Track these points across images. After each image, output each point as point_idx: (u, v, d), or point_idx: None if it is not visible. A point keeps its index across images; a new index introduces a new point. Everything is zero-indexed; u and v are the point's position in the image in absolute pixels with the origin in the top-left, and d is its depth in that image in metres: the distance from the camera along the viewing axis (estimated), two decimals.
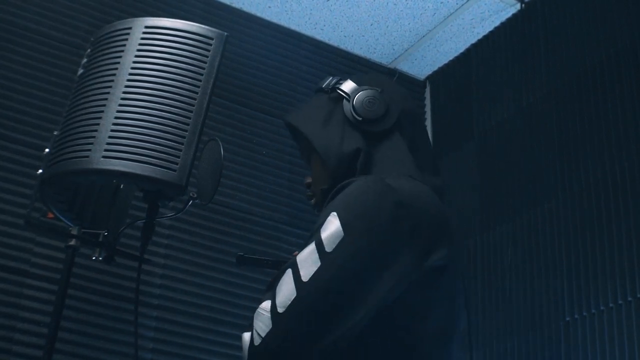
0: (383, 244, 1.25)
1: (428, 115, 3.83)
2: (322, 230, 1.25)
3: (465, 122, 3.51)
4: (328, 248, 1.23)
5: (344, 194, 1.31)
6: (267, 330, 1.21)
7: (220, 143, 1.84)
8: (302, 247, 1.33)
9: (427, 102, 3.86)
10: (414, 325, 1.28)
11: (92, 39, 1.89)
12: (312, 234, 1.28)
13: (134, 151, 1.64)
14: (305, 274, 1.21)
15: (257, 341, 1.22)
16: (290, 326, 1.20)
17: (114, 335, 2.68)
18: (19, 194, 2.69)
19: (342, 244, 1.22)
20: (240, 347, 1.35)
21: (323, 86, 1.57)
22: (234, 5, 3.44)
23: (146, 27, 1.79)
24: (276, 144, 3.33)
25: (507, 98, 3.29)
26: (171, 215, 2.03)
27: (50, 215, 1.91)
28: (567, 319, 2.64)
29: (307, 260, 1.23)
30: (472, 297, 3.09)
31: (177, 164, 1.65)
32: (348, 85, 1.52)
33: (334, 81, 1.55)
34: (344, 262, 1.22)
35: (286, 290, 1.22)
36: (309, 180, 1.57)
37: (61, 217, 1.90)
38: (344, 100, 1.50)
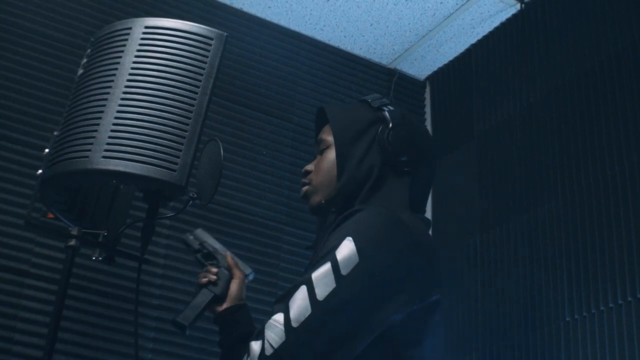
0: (395, 275, 1.36)
1: (428, 116, 3.83)
2: (337, 252, 1.34)
3: (465, 122, 3.51)
4: (344, 271, 1.32)
5: (357, 221, 1.40)
6: (280, 342, 1.28)
7: (220, 143, 1.85)
8: (311, 263, 1.43)
9: (427, 102, 3.86)
10: (407, 350, 1.39)
11: (92, 39, 1.89)
12: (325, 253, 1.36)
13: (133, 151, 1.64)
14: (321, 293, 1.30)
15: (268, 351, 1.28)
16: (302, 341, 1.28)
17: (114, 336, 2.68)
18: (19, 194, 2.69)
19: (357, 269, 1.32)
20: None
21: (370, 100, 1.65)
22: (234, 5, 3.45)
23: (146, 27, 1.79)
24: (276, 144, 3.33)
25: (507, 98, 3.29)
26: (171, 215, 2.04)
27: (51, 215, 1.91)
28: (567, 319, 2.64)
29: (323, 280, 1.31)
30: (471, 297, 3.09)
31: (177, 164, 1.66)
32: (394, 114, 1.60)
33: (383, 102, 1.64)
34: (358, 287, 1.31)
35: (301, 306, 1.30)
36: (310, 167, 1.67)
37: (61, 217, 1.90)
38: (383, 125, 1.58)
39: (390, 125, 1.57)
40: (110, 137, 1.66)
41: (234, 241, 3.06)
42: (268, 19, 3.52)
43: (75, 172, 1.68)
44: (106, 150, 1.65)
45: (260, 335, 1.32)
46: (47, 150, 1.81)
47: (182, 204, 1.83)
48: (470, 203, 3.30)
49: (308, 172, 1.67)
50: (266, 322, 1.33)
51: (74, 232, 1.80)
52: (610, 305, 2.49)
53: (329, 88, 3.59)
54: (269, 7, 3.45)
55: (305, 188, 1.65)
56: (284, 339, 1.28)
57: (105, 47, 1.80)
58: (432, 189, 3.75)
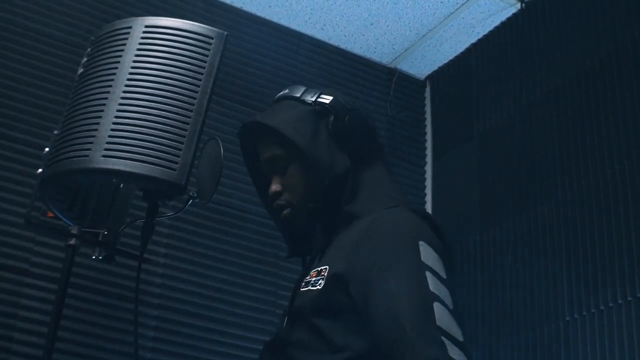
0: (446, 266, 1.39)
1: (428, 115, 3.83)
2: (424, 259, 1.33)
3: (465, 122, 3.51)
4: (442, 275, 1.34)
5: (400, 225, 1.40)
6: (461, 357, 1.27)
7: (220, 142, 1.85)
8: (390, 274, 1.37)
9: (427, 102, 3.86)
10: None
11: (92, 38, 1.89)
12: (410, 262, 1.33)
13: (134, 150, 1.64)
14: (448, 302, 1.32)
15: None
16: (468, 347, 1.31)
17: (114, 335, 2.68)
18: (19, 193, 2.68)
19: (445, 266, 1.36)
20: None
21: (300, 96, 1.57)
22: (234, 4, 3.44)
23: (146, 26, 1.79)
24: None
25: (507, 98, 3.29)
26: (171, 215, 2.04)
27: (50, 214, 1.91)
28: (567, 318, 2.64)
29: (440, 290, 1.31)
30: (471, 297, 3.09)
31: (177, 163, 1.66)
32: (335, 103, 1.54)
33: (316, 94, 1.56)
34: (452, 281, 1.37)
35: (450, 319, 1.30)
36: (277, 188, 1.56)
37: (61, 216, 1.90)
38: (331, 118, 1.52)
39: (340, 114, 1.52)
40: (110, 136, 1.66)
41: (234, 241, 3.06)
42: (268, 18, 3.52)
43: (75, 171, 1.68)
44: (106, 149, 1.64)
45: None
46: (47, 149, 1.81)
47: (182, 203, 1.82)
48: (470, 203, 3.30)
49: (278, 193, 1.56)
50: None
51: (74, 231, 1.80)
52: (610, 305, 2.49)
53: (329, 87, 3.58)
54: (269, 6, 3.45)
55: (287, 211, 1.54)
56: (462, 354, 1.27)
57: (106, 46, 1.80)
58: (432, 188, 3.77)
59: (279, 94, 1.63)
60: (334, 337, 1.35)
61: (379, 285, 1.32)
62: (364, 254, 1.37)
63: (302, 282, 1.47)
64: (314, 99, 1.55)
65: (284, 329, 1.46)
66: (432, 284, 1.30)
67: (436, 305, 1.28)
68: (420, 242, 1.34)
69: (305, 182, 1.53)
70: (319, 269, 1.43)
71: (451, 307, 1.30)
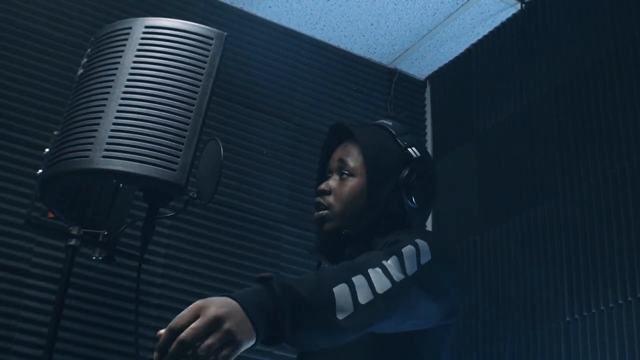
0: (450, 284, 1.48)
1: (428, 115, 3.83)
2: (418, 242, 1.42)
3: (465, 122, 3.51)
4: (422, 260, 1.40)
5: (419, 231, 1.51)
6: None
7: (220, 143, 1.85)
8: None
9: (427, 102, 3.86)
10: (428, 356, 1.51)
11: (92, 39, 1.90)
12: (407, 239, 1.43)
13: (134, 151, 1.64)
14: (410, 271, 1.37)
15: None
16: (398, 295, 1.34)
17: (114, 335, 2.68)
18: (19, 194, 2.69)
19: (429, 264, 1.41)
20: None
21: (396, 134, 1.65)
22: (234, 4, 3.45)
23: (146, 27, 1.80)
24: (276, 144, 3.33)
25: (508, 98, 3.29)
26: (171, 215, 2.04)
27: (51, 214, 1.92)
28: (567, 318, 2.64)
29: (411, 260, 1.39)
30: (471, 297, 3.09)
31: (177, 163, 1.66)
32: (418, 162, 1.62)
33: (410, 143, 1.64)
34: (428, 280, 1.40)
35: (397, 273, 1.34)
36: (327, 187, 1.65)
37: (61, 217, 1.90)
38: (407, 170, 1.60)
39: (415, 173, 1.60)
40: (110, 137, 1.66)
41: (234, 241, 3.06)
42: (268, 18, 3.52)
43: (76, 172, 1.69)
44: (106, 150, 1.65)
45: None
46: (47, 149, 1.81)
47: (182, 203, 1.83)
48: (470, 203, 3.30)
49: (325, 192, 1.64)
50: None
51: (74, 231, 1.80)
52: (611, 305, 2.49)
53: (329, 88, 3.59)
54: (269, 7, 3.45)
55: (323, 212, 1.63)
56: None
57: (106, 46, 1.81)
58: None
59: (380, 120, 1.72)
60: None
61: None
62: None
63: None
64: (405, 144, 1.63)
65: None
66: (408, 251, 1.39)
67: (393, 259, 1.36)
68: (417, 239, 1.43)
69: (354, 199, 1.62)
70: None
71: (410, 273, 1.36)
